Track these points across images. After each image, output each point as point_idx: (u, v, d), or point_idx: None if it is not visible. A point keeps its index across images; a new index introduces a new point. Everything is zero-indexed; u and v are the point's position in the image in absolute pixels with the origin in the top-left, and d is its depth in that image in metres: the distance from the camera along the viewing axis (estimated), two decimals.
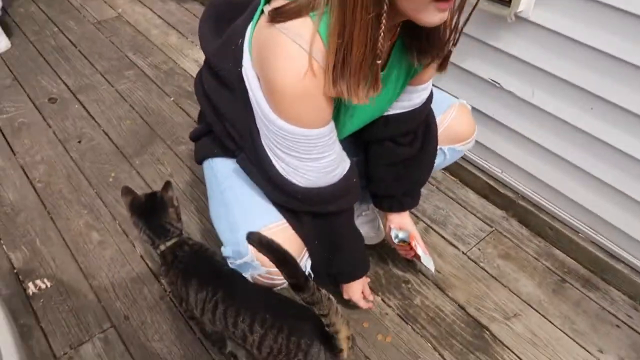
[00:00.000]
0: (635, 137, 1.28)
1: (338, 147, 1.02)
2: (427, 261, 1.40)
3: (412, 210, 1.70)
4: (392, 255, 1.56)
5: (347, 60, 0.80)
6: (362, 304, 1.35)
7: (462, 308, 1.45)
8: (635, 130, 1.27)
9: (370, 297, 1.38)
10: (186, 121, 2.04)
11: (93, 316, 1.39)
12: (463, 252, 1.59)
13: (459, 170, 1.81)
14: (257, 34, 0.90)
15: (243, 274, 1.08)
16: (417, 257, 1.40)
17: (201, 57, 1.15)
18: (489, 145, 1.67)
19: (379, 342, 1.36)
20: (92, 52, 2.40)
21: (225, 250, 1.10)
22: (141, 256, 1.54)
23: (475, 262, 1.57)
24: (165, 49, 2.44)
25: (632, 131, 1.28)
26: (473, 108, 1.65)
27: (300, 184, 0.99)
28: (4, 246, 1.56)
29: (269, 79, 0.86)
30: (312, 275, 1.14)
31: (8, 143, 1.91)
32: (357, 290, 1.33)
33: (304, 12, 0.81)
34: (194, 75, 2.28)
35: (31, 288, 1.45)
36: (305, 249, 1.10)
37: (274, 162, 0.98)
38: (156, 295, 1.44)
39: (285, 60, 0.83)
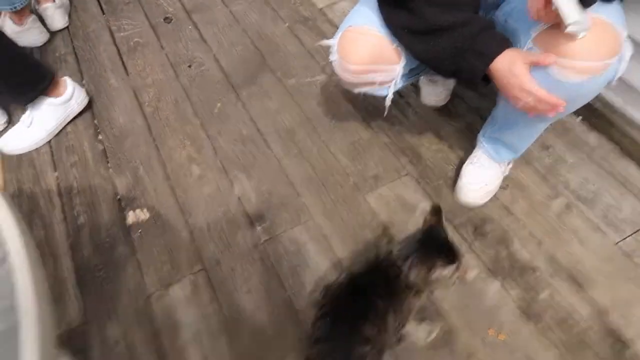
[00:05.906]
0: None
1: None
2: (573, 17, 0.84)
3: (553, 182, 1.41)
4: (519, 233, 1.31)
5: None
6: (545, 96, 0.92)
7: (603, 313, 1.17)
8: None
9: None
10: (299, 51, 1.86)
11: (186, 255, 1.35)
12: (614, 242, 1.28)
13: (620, 135, 1.44)
14: None
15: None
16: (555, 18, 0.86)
17: None
18: None
19: (489, 338, 1.15)
20: None
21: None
22: (239, 198, 1.45)
23: (629, 257, 1.26)
24: None
25: None
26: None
27: None
28: (110, 169, 1.56)
29: None
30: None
31: (123, 63, 1.89)
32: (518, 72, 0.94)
33: None
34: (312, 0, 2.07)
35: (131, 217, 1.43)
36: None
37: None
38: (250, 243, 1.35)
39: None
